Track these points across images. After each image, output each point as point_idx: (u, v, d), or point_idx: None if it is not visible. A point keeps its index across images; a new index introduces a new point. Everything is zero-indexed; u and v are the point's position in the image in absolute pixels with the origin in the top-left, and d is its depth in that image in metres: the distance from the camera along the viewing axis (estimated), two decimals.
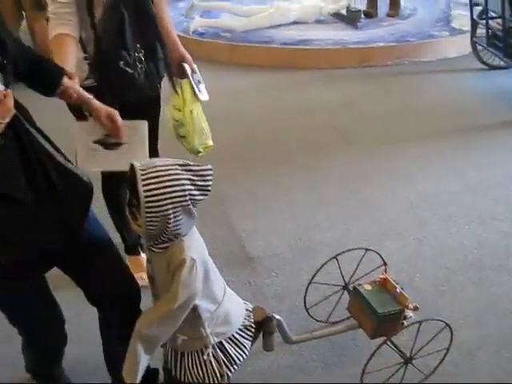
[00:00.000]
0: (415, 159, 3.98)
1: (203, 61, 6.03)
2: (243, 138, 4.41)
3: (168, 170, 1.56)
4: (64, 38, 2.16)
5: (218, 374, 1.83)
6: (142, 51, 2.30)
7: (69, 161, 1.76)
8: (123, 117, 1.98)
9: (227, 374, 1.86)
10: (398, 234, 3.18)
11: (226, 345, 1.85)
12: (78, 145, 2.07)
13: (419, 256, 3.00)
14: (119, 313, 1.90)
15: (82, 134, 2.06)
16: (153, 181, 1.53)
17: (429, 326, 2.17)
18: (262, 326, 2.01)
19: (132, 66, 2.28)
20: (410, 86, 5.30)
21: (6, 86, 1.51)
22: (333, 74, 5.61)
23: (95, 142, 2.03)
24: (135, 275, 2.01)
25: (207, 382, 1.84)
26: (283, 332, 2.13)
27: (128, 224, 1.69)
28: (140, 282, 2.02)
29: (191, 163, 1.61)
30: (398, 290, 2.14)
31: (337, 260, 2.48)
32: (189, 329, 1.79)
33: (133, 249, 2.88)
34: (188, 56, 2.55)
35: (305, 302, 2.51)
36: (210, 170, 1.62)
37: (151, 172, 1.54)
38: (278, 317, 2.06)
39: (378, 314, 2.09)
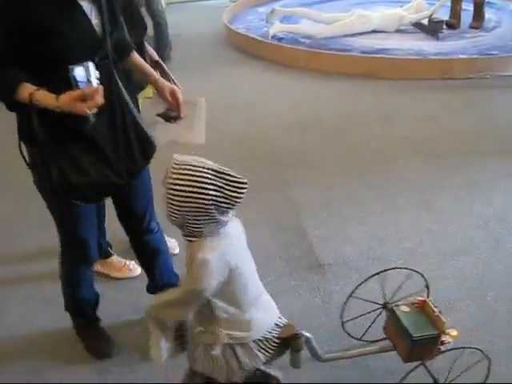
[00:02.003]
0: (494, 175, 3.91)
1: (282, 66, 6.16)
2: (319, 144, 4.44)
3: (199, 171, 1.57)
4: None
5: (225, 372, 1.86)
6: None
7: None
8: None
9: (236, 374, 1.87)
10: (472, 250, 3.14)
11: (238, 350, 1.85)
12: (141, 117, 2.25)
13: (493, 274, 2.95)
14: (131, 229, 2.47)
15: (145, 107, 2.28)
16: (180, 177, 1.57)
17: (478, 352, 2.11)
18: (289, 343, 1.97)
19: None
20: (492, 101, 5.18)
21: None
22: (411, 84, 5.55)
23: (157, 115, 2.25)
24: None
25: (215, 376, 1.89)
26: (312, 350, 2.09)
27: None
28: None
29: (229, 172, 1.61)
30: (435, 314, 2.07)
31: (376, 277, 2.42)
32: (205, 322, 1.84)
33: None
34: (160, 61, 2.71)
35: (341, 316, 2.45)
36: (246, 183, 1.61)
37: (183, 168, 1.58)
38: (307, 334, 2.00)
39: (413, 338, 2.02)
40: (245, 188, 1.61)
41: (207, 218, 1.62)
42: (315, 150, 4.35)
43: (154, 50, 2.76)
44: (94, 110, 1.74)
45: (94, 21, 1.86)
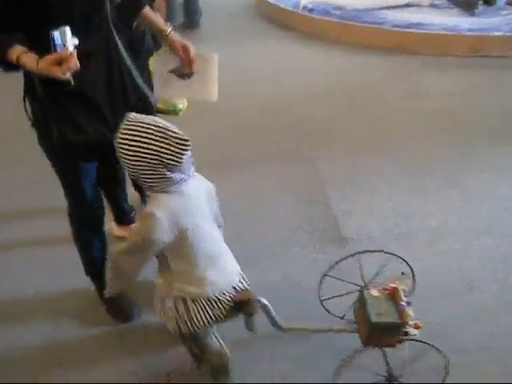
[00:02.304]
0: None
1: (312, 38, 6.09)
2: (345, 117, 4.41)
3: (146, 127, 1.63)
4: None
5: (176, 325, 1.92)
6: None
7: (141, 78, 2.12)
8: None
9: (189, 329, 1.92)
10: (497, 232, 3.10)
11: (190, 304, 1.89)
12: (155, 74, 2.29)
13: None
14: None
15: (158, 64, 2.27)
16: (129, 132, 1.63)
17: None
18: (242, 307, 1.97)
19: None
20: None
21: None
22: (443, 61, 5.46)
23: (170, 71, 2.23)
24: None
25: (169, 327, 1.96)
26: (271, 318, 2.06)
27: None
28: None
29: (174, 129, 1.64)
30: (402, 304, 2.01)
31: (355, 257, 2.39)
32: (164, 274, 1.90)
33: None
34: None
35: (319, 291, 2.42)
36: (188, 140, 1.64)
37: (133, 125, 1.64)
38: (264, 301, 1.98)
39: (372, 322, 1.98)
40: (187, 145, 1.64)
41: (156, 174, 1.66)
42: (342, 123, 4.31)
43: (184, 16, 2.75)
44: (69, 74, 1.74)
45: None
